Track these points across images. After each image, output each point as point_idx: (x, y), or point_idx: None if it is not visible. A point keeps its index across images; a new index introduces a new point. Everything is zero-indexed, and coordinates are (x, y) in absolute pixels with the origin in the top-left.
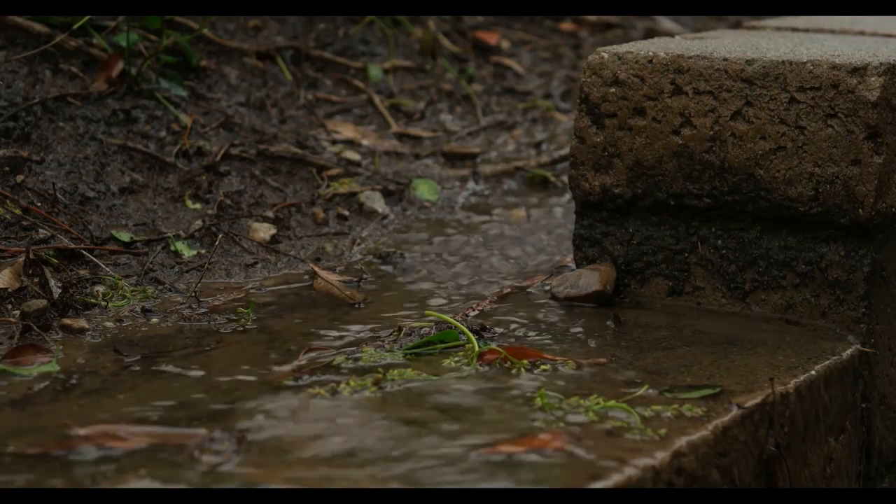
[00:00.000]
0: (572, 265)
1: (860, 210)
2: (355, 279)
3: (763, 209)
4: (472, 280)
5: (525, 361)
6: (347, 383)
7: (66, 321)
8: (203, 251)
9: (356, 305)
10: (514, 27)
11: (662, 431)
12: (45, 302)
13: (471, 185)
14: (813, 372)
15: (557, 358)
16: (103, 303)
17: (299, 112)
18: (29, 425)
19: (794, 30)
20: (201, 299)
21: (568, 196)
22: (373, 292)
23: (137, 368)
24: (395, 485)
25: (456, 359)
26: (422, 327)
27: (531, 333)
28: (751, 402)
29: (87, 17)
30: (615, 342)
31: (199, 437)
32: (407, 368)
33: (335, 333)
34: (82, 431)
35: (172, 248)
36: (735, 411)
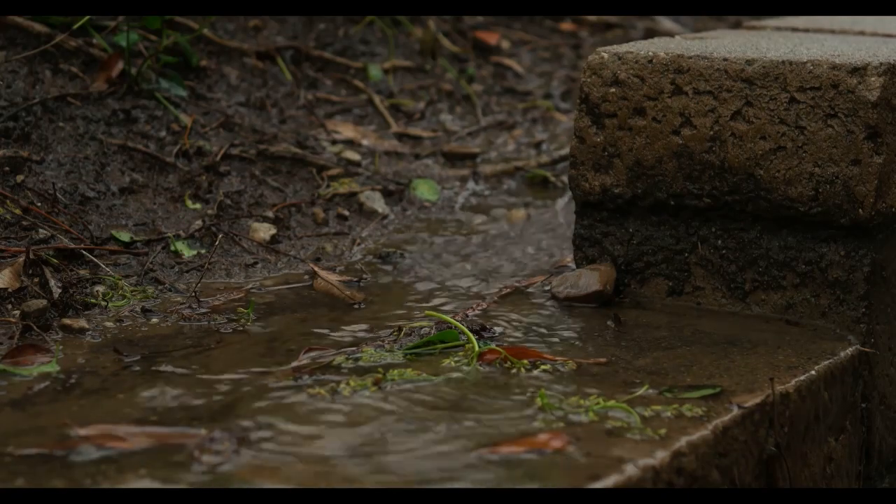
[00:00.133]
0: (572, 265)
1: (860, 210)
2: (355, 279)
3: (763, 209)
4: (472, 280)
5: (525, 361)
6: (347, 383)
7: (66, 321)
8: (203, 251)
9: (356, 305)
10: (514, 27)
11: (662, 431)
12: (45, 302)
13: (471, 185)
14: (813, 372)
15: (557, 358)
16: (103, 303)
17: (299, 112)
18: (29, 425)
19: (794, 30)
20: (201, 299)
21: (568, 196)
22: (373, 292)
23: (137, 368)
24: (395, 485)
25: (456, 359)
26: (422, 327)
27: (531, 333)
28: (751, 402)
29: (87, 17)
30: (615, 342)
31: (199, 437)
32: (407, 368)
33: (335, 333)
34: (82, 431)
35: (172, 248)
36: (735, 411)
